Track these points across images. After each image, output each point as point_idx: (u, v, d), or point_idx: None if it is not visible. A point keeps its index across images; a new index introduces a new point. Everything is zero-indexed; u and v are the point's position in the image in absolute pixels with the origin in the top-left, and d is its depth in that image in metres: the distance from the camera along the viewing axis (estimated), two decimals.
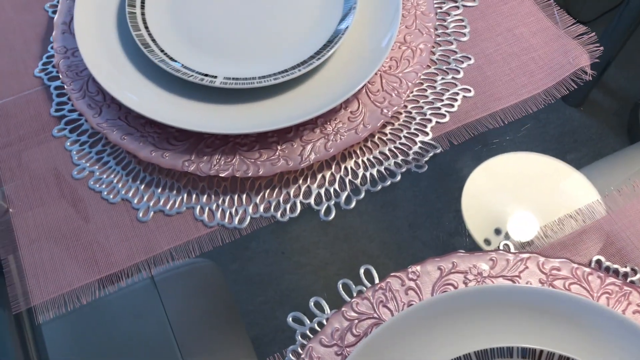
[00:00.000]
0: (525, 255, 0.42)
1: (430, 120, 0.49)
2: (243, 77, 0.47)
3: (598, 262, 0.43)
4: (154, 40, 0.48)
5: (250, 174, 0.45)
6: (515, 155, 0.50)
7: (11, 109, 0.50)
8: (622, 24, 0.67)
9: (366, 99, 0.48)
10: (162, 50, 0.48)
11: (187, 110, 0.46)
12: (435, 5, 0.54)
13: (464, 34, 0.53)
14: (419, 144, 0.48)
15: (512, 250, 0.44)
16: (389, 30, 0.48)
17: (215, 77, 0.46)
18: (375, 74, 0.48)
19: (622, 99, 0.63)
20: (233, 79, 0.46)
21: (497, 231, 0.47)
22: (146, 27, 0.49)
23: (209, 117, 0.45)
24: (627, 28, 0.67)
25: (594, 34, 0.52)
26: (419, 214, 0.51)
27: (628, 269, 0.43)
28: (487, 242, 0.46)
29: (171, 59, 0.47)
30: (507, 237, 0.46)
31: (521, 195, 0.49)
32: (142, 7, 0.50)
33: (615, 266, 0.43)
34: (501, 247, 0.44)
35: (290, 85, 0.47)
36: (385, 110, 0.47)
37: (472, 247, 0.45)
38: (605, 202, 0.45)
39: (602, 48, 0.51)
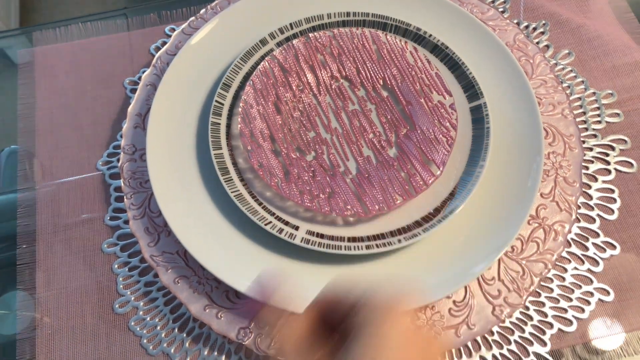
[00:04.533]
0: None
1: (551, 326, 0.39)
2: (329, 236, 0.38)
3: None
4: (235, 164, 0.41)
5: None
6: None
7: (65, 196, 0.44)
8: None
9: (476, 287, 0.38)
10: (241, 179, 0.40)
11: (256, 265, 0.38)
12: (582, 166, 0.43)
13: (612, 211, 0.42)
14: (532, 357, 0.38)
15: None
16: (520, 207, 0.38)
17: (297, 228, 0.38)
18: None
19: None
20: (318, 235, 0.38)
21: None
22: (228, 144, 0.41)
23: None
24: None
25: None
26: None
27: None
28: None
29: (251, 193, 0.39)
30: None
31: None
32: (229, 117, 0.42)
33: None
34: None
35: (384, 255, 0.38)
36: (497, 310, 0.37)
37: None
38: None
39: None
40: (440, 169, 0.39)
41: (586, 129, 0.45)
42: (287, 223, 0.38)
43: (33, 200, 0.45)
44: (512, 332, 0.39)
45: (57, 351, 0.39)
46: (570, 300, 0.39)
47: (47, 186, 0.45)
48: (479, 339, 0.38)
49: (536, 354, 0.38)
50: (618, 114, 0.46)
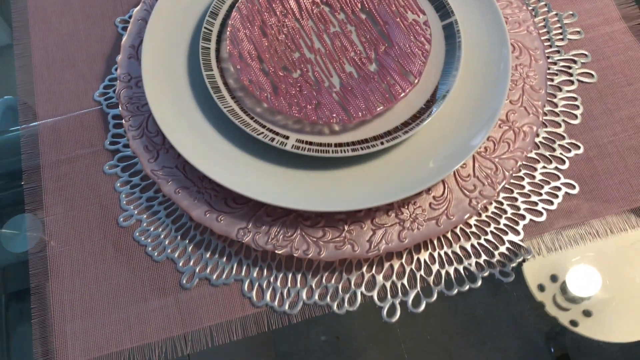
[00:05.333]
0: None
1: (523, 217, 0.42)
2: (318, 143, 0.41)
3: None
4: (226, 84, 0.43)
5: (310, 255, 0.39)
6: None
7: (64, 129, 0.47)
8: None
9: (454, 183, 0.42)
10: (233, 97, 0.43)
11: (251, 171, 0.41)
12: (547, 77, 0.47)
13: (576, 116, 0.46)
14: (507, 244, 0.42)
15: None
16: (491, 110, 0.42)
17: (287, 138, 0.41)
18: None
19: None
20: (307, 142, 0.41)
21: (553, 278, 0.41)
22: (219, 67, 0.44)
23: (273, 184, 0.40)
24: None
25: None
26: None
27: None
28: (541, 288, 0.41)
29: (242, 109, 0.42)
30: (563, 287, 0.41)
31: (589, 247, 0.42)
32: (218, 41, 0.45)
33: None
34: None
35: (368, 158, 0.42)
36: (474, 202, 0.41)
37: (524, 293, 0.41)
38: None
39: None
40: (417, 78, 0.43)
41: (550, 46, 0.49)
42: (277, 134, 0.41)
43: (35, 135, 0.47)
44: (489, 225, 0.42)
45: (68, 264, 0.42)
46: (540, 194, 0.43)
47: (47, 121, 0.47)
48: (458, 231, 0.42)
49: (511, 242, 0.42)
50: (579, 32, 0.49)
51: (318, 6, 0.47)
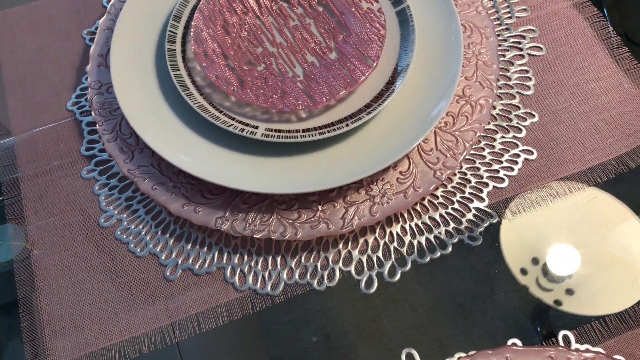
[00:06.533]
0: (589, 355, 0.37)
1: (487, 185, 0.45)
2: (286, 130, 0.43)
3: None
4: (193, 82, 0.45)
5: (287, 237, 0.41)
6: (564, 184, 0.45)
7: (40, 141, 0.48)
8: None
9: (418, 158, 0.44)
10: (201, 94, 0.45)
11: (224, 162, 0.43)
12: (499, 53, 0.49)
13: (529, 87, 0.48)
14: (474, 211, 0.44)
15: (573, 342, 0.39)
16: (448, 87, 0.44)
17: (257, 127, 0.43)
18: (430, 131, 0.44)
19: None
20: (275, 131, 0.43)
21: (535, 261, 0.43)
22: (186, 67, 0.46)
23: (247, 172, 0.42)
24: None
25: None
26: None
27: None
28: (524, 271, 0.43)
29: (211, 104, 0.44)
30: (544, 269, 0.43)
31: (565, 226, 0.44)
32: (183, 43, 0.47)
33: None
34: (560, 340, 0.39)
35: (336, 140, 0.44)
36: (438, 173, 0.43)
37: (507, 278, 0.42)
38: None
39: None
40: (376, 62, 0.45)
41: (500, 24, 0.51)
42: (247, 124, 0.43)
43: (11, 149, 0.48)
44: (455, 194, 0.44)
45: (53, 268, 0.43)
46: (501, 162, 0.45)
47: (23, 135, 0.48)
48: (427, 203, 0.44)
49: (476, 209, 0.44)
50: (526, 9, 0.52)
51: (277, 3, 0.49)
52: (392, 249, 0.43)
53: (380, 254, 0.43)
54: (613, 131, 0.46)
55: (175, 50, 0.46)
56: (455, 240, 0.43)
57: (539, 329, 0.41)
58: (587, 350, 0.38)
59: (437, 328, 0.42)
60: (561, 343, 0.39)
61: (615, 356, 0.37)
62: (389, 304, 0.42)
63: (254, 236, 0.41)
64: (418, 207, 0.44)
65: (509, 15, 0.52)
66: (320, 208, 0.42)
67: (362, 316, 0.42)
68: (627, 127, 0.46)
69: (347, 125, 0.43)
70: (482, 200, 0.44)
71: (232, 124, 0.43)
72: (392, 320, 0.41)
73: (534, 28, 0.51)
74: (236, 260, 0.42)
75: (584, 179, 0.45)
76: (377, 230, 0.43)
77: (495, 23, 0.51)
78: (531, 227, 0.44)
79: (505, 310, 0.42)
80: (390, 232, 0.43)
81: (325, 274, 0.42)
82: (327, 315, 0.42)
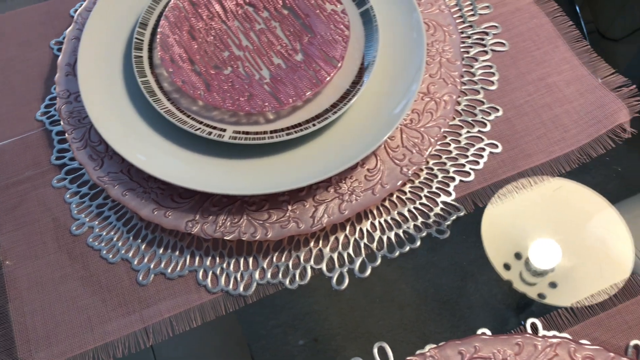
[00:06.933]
0: (555, 341, 0.38)
1: (453, 179, 0.45)
2: (254, 132, 0.43)
3: (636, 347, 0.39)
4: (161, 88, 0.45)
5: (257, 237, 0.42)
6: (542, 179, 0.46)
7: (10, 153, 0.48)
8: None
9: (385, 155, 0.45)
10: (169, 99, 0.45)
11: (193, 166, 0.43)
12: (462, 50, 0.50)
13: (493, 83, 0.49)
14: (441, 205, 0.45)
15: (540, 330, 0.40)
16: (411, 84, 0.45)
17: (224, 130, 0.43)
18: (396, 128, 0.45)
19: None
20: (243, 133, 0.43)
21: (517, 256, 0.44)
22: (153, 73, 0.46)
23: (216, 175, 0.42)
24: None
25: (634, 86, 0.48)
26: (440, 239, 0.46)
27: None
28: (507, 267, 0.43)
29: (179, 109, 0.44)
30: (527, 263, 0.43)
31: (545, 220, 0.45)
32: (150, 50, 0.47)
33: None
34: (528, 327, 0.40)
35: (303, 141, 0.44)
36: (405, 169, 0.44)
37: (491, 274, 0.43)
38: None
39: None
40: (340, 62, 0.45)
41: (463, 22, 0.52)
42: (215, 128, 0.44)
43: None
44: (422, 190, 0.45)
45: (25, 276, 0.43)
46: (467, 157, 0.46)
47: None
48: (396, 199, 0.45)
49: (444, 203, 0.45)
50: (488, 6, 0.53)
51: (242, 7, 0.50)
52: (362, 245, 0.43)
53: (350, 250, 0.43)
54: (575, 122, 0.47)
55: (142, 57, 0.47)
56: (424, 234, 0.43)
57: (522, 322, 0.42)
58: (554, 337, 0.39)
59: (424, 326, 0.42)
60: (529, 330, 0.40)
61: (581, 341, 0.38)
62: (375, 304, 0.42)
63: (225, 238, 0.41)
64: (387, 204, 0.45)
65: (472, 12, 0.53)
66: (290, 208, 0.43)
67: (348, 317, 0.42)
68: (589, 118, 0.48)
69: (314, 125, 0.43)
70: (449, 194, 0.45)
71: (200, 128, 0.43)
72: (379, 320, 0.42)
73: (496, 24, 0.52)
74: (208, 263, 0.43)
75: (548, 170, 0.46)
76: (348, 228, 0.44)
77: (458, 21, 0.52)
78: (511, 222, 0.45)
79: (490, 306, 0.42)
80: (360, 229, 0.44)
81: (297, 272, 0.42)
82: (314, 318, 0.42)
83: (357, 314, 0.42)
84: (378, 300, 0.42)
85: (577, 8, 0.70)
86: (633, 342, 0.39)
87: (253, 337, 0.42)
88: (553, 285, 0.43)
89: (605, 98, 0.48)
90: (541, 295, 0.43)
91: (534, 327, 0.40)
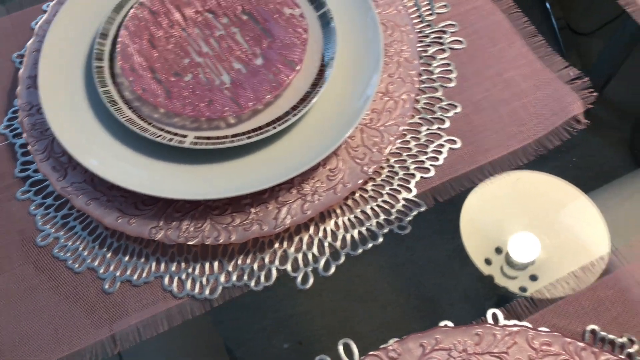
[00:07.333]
0: (514, 329, 0.39)
1: (413, 176, 0.46)
2: (215, 137, 0.44)
3: (593, 332, 0.40)
4: (122, 97, 0.46)
5: (221, 241, 0.42)
6: (516, 174, 0.47)
7: None
8: (624, 36, 0.64)
9: (346, 155, 0.45)
10: (130, 108, 0.45)
11: (156, 173, 0.43)
12: (420, 49, 0.51)
13: (451, 80, 0.50)
14: (402, 202, 0.45)
15: (501, 320, 0.41)
16: (369, 84, 0.45)
17: (185, 136, 0.44)
18: (355, 128, 0.46)
19: (624, 114, 0.59)
20: (205, 138, 0.44)
21: (498, 250, 0.45)
22: (114, 83, 0.47)
23: (178, 180, 0.43)
24: (630, 39, 0.63)
25: (587, 78, 0.49)
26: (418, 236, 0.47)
27: (624, 340, 0.40)
28: (488, 261, 0.44)
29: (141, 117, 0.45)
30: (507, 257, 0.44)
31: (522, 213, 0.46)
32: (111, 60, 0.48)
33: (611, 337, 0.40)
34: (489, 318, 0.41)
35: (265, 144, 0.45)
36: (365, 168, 0.44)
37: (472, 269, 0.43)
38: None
39: (596, 94, 0.48)
40: (299, 65, 0.46)
41: (421, 21, 0.53)
42: (176, 134, 0.44)
43: None
44: (384, 187, 0.46)
45: None
46: (427, 153, 0.47)
47: None
48: (358, 198, 0.45)
49: (405, 199, 0.45)
50: (446, 5, 0.54)
51: (202, 14, 0.50)
52: (326, 244, 0.44)
53: (315, 250, 0.44)
54: (531, 116, 0.49)
55: (103, 67, 0.47)
56: (386, 230, 0.44)
57: (502, 316, 0.42)
58: (514, 325, 0.39)
59: (408, 324, 0.42)
60: (490, 320, 0.41)
61: (539, 328, 0.39)
62: (358, 305, 0.43)
63: (188, 243, 0.42)
64: (350, 202, 0.45)
65: (430, 12, 0.54)
66: (253, 210, 0.43)
67: (332, 319, 0.42)
68: (545, 110, 0.49)
69: (274, 127, 0.44)
70: (410, 190, 0.46)
71: (161, 135, 0.44)
72: (362, 321, 0.42)
73: (454, 23, 0.53)
74: (174, 268, 0.43)
75: (506, 163, 0.47)
76: (311, 228, 0.45)
77: (417, 20, 0.53)
78: (488, 217, 0.46)
79: (472, 301, 0.43)
80: (324, 229, 0.44)
81: (262, 274, 0.43)
82: (297, 320, 0.42)
83: (340, 314, 0.42)
84: (360, 301, 0.43)
85: (548, 5, 0.72)
86: (589, 327, 0.40)
87: (237, 342, 0.42)
88: (534, 278, 0.44)
89: (561, 91, 0.49)
90: (522, 289, 0.43)
91: (495, 317, 0.41)
